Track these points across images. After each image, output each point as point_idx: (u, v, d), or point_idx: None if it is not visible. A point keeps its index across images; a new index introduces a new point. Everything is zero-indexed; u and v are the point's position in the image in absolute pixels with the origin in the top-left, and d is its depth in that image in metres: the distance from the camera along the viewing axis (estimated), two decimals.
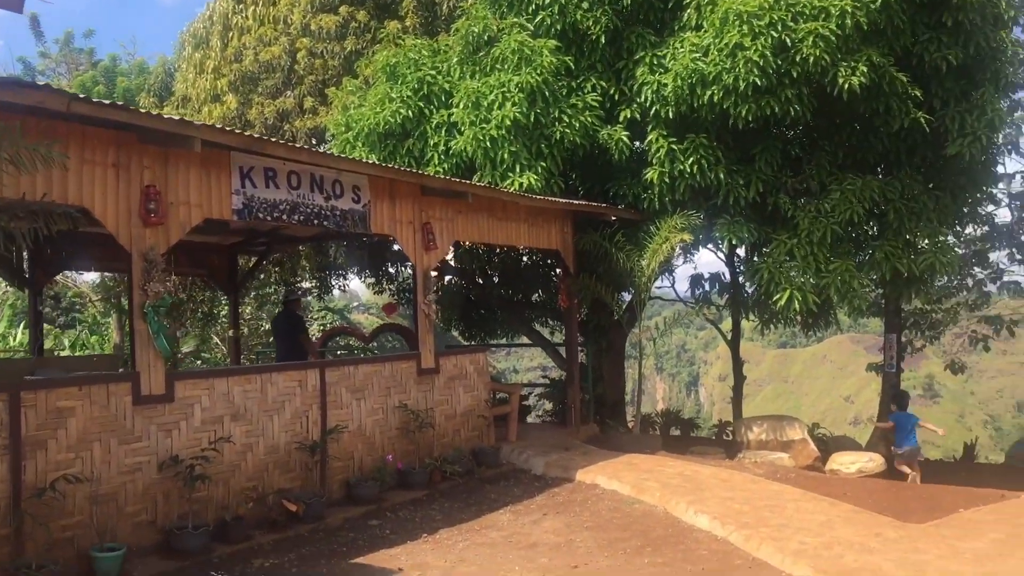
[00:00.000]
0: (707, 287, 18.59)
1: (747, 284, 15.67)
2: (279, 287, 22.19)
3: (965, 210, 16.45)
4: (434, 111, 13.91)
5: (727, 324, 20.33)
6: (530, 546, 8.19)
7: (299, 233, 13.65)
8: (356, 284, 34.44)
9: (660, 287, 17.17)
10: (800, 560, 7.29)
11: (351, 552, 8.03)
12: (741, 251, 17.21)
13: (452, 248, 19.70)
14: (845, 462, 13.25)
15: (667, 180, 13.27)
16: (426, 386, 10.99)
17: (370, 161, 11.32)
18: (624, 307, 15.52)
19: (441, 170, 13.33)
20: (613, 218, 14.09)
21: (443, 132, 13.69)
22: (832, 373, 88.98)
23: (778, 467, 12.59)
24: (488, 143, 12.92)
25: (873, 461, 13.29)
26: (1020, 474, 15.27)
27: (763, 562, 7.53)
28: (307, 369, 9.47)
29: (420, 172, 10.64)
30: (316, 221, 9.54)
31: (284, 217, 9.17)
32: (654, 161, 13.36)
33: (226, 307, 23.81)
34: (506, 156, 12.91)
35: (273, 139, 9.53)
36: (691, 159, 13.08)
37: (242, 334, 23.71)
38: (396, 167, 10.10)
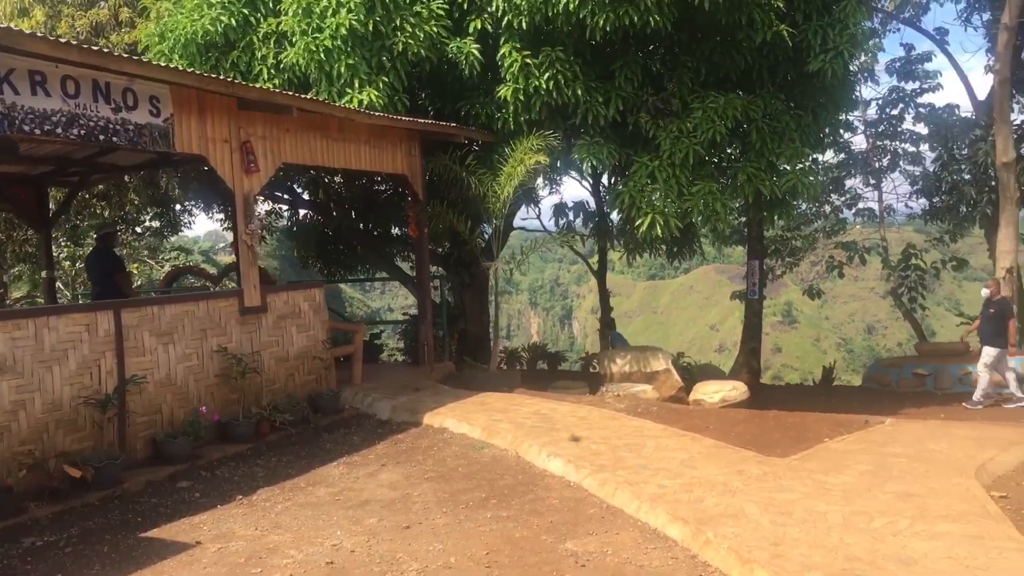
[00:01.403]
0: (571, 216, 17.76)
1: (612, 212, 14.82)
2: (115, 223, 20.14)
3: (827, 131, 16.03)
4: (261, 19, 12.27)
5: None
6: (361, 504, 7.08)
7: (120, 161, 11.93)
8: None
9: (525, 218, 16.27)
10: (658, 506, 6.45)
11: (146, 523, 6.73)
12: (607, 180, 16.39)
13: (310, 184, 18.38)
14: (709, 392, 12.66)
15: (522, 98, 12.11)
16: (251, 327, 9.62)
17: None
18: (488, 238, 14.45)
19: (271, 86, 11.77)
20: (465, 140, 12.85)
21: (272, 43, 12.09)
22: (699, 303, 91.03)
23: (641, 400, 11.86)
24: (322, 55, 11.43)
25: (736, 389, 12.75)
26: (877, 396, 15.15)
27: (618, 510, 6.66)
28: (97, 311, 7.95)
29: (232, 80, 9.12)
30: (103, 137, 7.95)
31: (59, 131, 7.56)
32: (508, 77, 12.16)
33: (67, 248, 21.58)
34: (343, 70, 11.46)
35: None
36: (547, 74, 11.93)
37: (66, 275, 21.50)
38: (203, 74, 8.54)
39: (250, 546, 6.13)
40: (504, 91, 12.13)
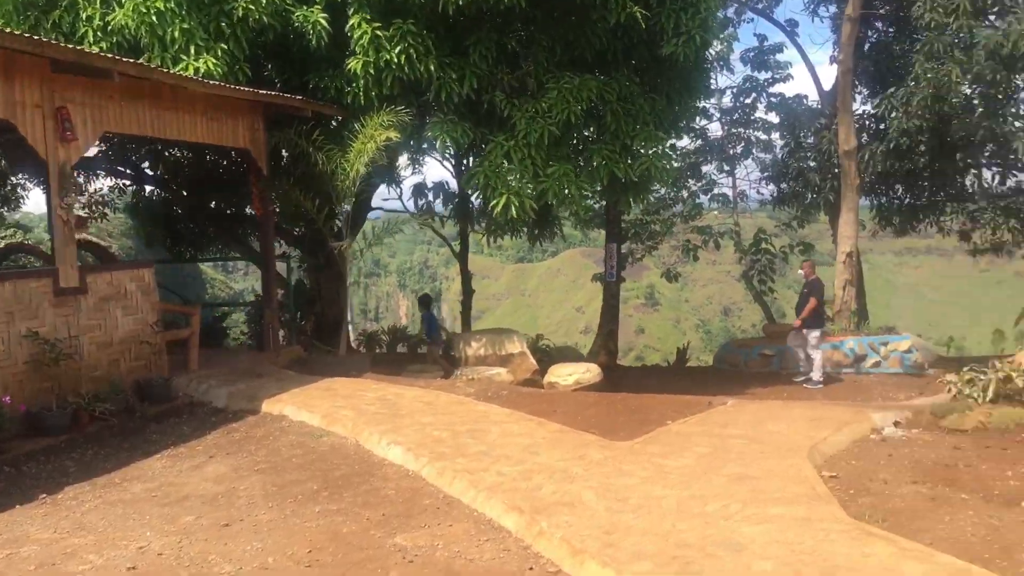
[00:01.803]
0: (431, 197, 17.40)
1: (473, 194, 14.53)
2: None
3: (684, 122, 16.22)
4: None
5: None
6: (179, 500, 6.54)
7: None
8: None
9: (387, 198, 15.77)
10: (495, 495, 6.19)
11: None
12: (468, 161, 16.09)
13: (153, 157, 17.23)
14: (563, 374, 12.58)
15: (372, 72, 11.62)
16: (68, 310, 8.82)
17: None
18: (346, 218, 13.90)
19: (98, 50, 10.85)
20: (313, 114, 12.23)
21: (98, 3, 11.15)
22: (565, 286, 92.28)
23: (495, 384, 11.64)
24: (154, 18, 10.63)
25: (590, 372, 12.73)
26: (727, 376, 15.47)
27: (455, 500, 6.37)
28: None
29: (42, 39, 8.27)
30: None
31: None
32: (357, 50, 11.64)
33: None
34: (177, 35, 10.69)
35: None
36: (398, 48, 11.48)
37: None
38: (5, 31, 7.68)
39: (44, 551, 5.52)
40: (354, 64, 11.60)
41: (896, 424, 8.23)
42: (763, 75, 24.27)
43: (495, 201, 12.18)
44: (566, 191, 12.27)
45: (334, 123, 13.33)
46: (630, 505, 5.90)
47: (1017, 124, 15.93)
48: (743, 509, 5.75)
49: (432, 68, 11.73)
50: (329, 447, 7.97)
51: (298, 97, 11.79)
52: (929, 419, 8.20)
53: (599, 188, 14.48)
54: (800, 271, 14.36)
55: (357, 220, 15.69)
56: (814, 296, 13.73)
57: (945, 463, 7.00)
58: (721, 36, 16.46)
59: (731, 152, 25.36)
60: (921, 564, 4.77)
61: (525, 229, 17.75)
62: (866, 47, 19.53)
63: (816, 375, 13.72)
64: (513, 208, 12.06)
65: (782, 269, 26.61)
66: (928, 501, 6.07)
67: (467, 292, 19.57)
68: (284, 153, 13.79)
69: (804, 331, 13.78)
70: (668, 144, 14.77)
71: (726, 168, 25.70)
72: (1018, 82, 16.20)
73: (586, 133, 13.92)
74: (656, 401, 10.02)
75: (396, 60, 11.47)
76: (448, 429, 8.13)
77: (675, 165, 21.91)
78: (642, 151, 13.03)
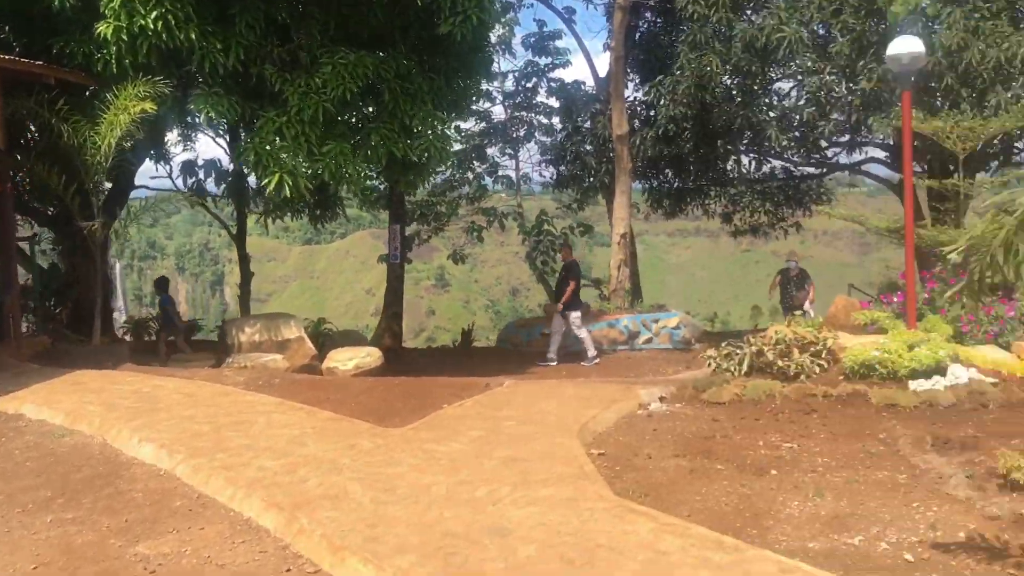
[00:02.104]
0: (201, 175, 16.33)
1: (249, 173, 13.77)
2: None
3: (465, 103, 16.12)
4: None
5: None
6: None
7: None
8: None
9: (156, 176, 14.65)
10: (254, 492, 5.79)
11: None
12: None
13: None
14: (342, 359, 12.16)
15: (125, 38, 10.66)
16: None
17: None
18: (104, 196, 12.76)
19: None
20: (56, 81, 11.07)
21: None
22: (355, 267, 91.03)
23: (270, 371, 11.09)
24: None
25: (371, 356, 12.38)
26: (509, 356, 15.59)
27: (210, 500, 5.89)
28: None
29: None
30: None
31: None
32: (108, 13, 10.64)
33: None
34: None
35: None
36: (155, 13, 10.59)
37: None
38: None
39: None
40: (104, 29, 10.60)
41: (661, 399, 8.50)
42: (544, 60, 24.72)
43: (267, 180, 11.60)
44: (344, 170, 11.86)
45: (87, 93, 12.17)
46: (398, 495, 5.67)
47: (771, 114, 17.04)
48: (512, 493, 5.68)
49: (194, 36, 10.94)
50: (71, 448, 7.21)
51: (39, 63, 10.62)
52: (691, 393, 8.52)
53: (379, 168, 14.16)
54: (558, 255, 14.75)
55: (117, 199, 14.48)
56: (572, 279, 14.09)
57: (704, 435, 7.28)
58: (503, 20, 16.61)
59: (514, 135, 25.67)
60: (678, 538, 4.86)
61: (306, 210, 17.13)
62: (637, 36, 20.28)
63: (590, 352, 14.09)
64: (287, 187, 11.53)
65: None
66: (688, 474, 6.26)
67: (245, 276, 18.61)
68: (31, 126, 12.49)
69: (566, 313, 14.10)
70: (451, 125, 14.66)
71: (509, 151, 25.98)
72: (771, 74, 17.33)
73: (364, 111, 13.54)
74: (435, 384, 9.87)
75: (152, 26, 10.58)
76: (210, 422, 7.58)
77: (457, 146, 21.98)
78: (421, 131, 12.82)
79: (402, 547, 4.81)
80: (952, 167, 15.83)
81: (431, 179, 17.94)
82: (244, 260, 18.98)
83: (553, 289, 14.79)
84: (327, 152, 11.74)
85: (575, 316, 14.03)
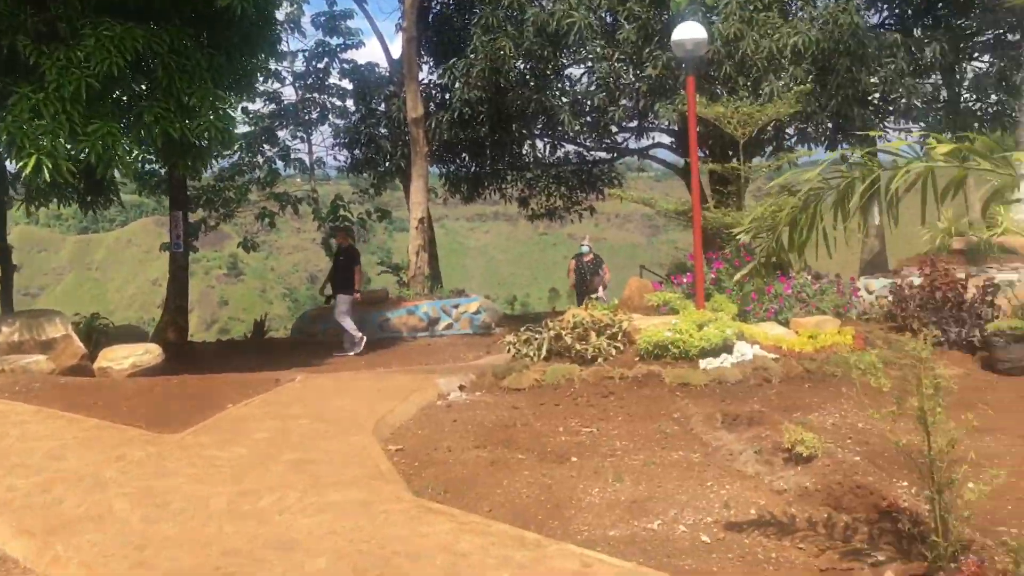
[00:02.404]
0: None
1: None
2: None
3: (251, 82, 15.22)
4: None
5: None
6: None
7: None
8: None
9: None
10: (0, 517, 5.05)
11: None
12: None
13: None
14: (117, 357, 11.14)
15: None
16: None
17: None
18: None
19: None
20: None
21: None
22: (139, 257, 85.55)
23: (30, 375, 9.95)
24: None
25: (150, 353, 11.42)
26: (304, 348, 14.96)
27: None
28: None
29: None
30: None
31: None
32: None
33: None
34: None
35: None
36: None
37: None
38: None
39: None
40: None
41: (461, 388, 8.29)
42: (335, 40, 23.91)
43: (23, 163, 10.38)
44: (113, 152, 10.80)
45: None
46: (171, 511, 5.12)
47: (564, 99, 17.24)
48: (301, 499, 5.26)
49: None
50: None
51: None
52: (491, 380, 8.37)
53: (154, 150, 13.07)
54: (333, 240, 14.38)
55: None
56: (356, 264, 13.86)
57: (505, 424, 7.12)
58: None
59: (306, 118, 24.71)
60: (478, 537, 4.64)
61: (75, 196, 15.69)
62: (430, 17, 19.96)
63: (353, 341, 13.82)
64: (46, 171, 10.36)
65: (363, 235, 26.69)
66: (488, 466, 6.06)
67: (7, 270, 16.83)
68: None
69: (341, 296, 13.82)
70: (237, 106, 13.75)
71: (301, 134, 25.01)
72: (563, 60, 17.54)
73: (136, 88, 12.44)
74: (221, 382, 9.18)
75: None
76: None
77: (244, 128, 20.89)
78: (201, 111, 11.91)
79: (174, 572, 4.30)
80: (731, 152, 16.70)
81: (216, 163, 16.86)
82: (3, 252, 17.17)
83: (331, 277, 14.41)
84: (92, 132, 10.64)
85: (344, 300, 13.74)
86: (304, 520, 4.93)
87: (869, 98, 16.22)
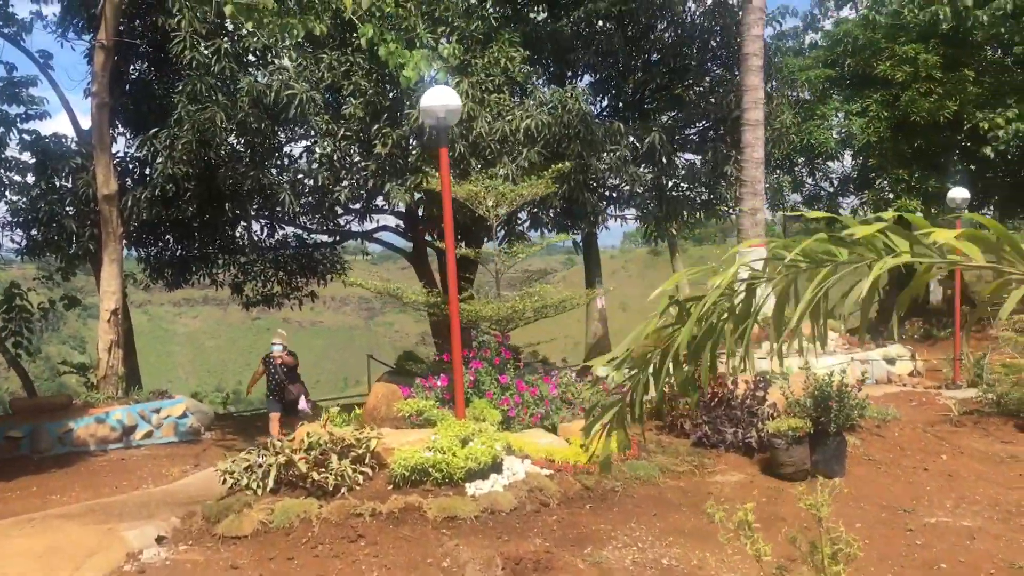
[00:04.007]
0: None
1: None
2: None
3: None
4: None
5: None
6: None
7: None
8: None
9: None
10: None
11: None
12: None
13: None
14: None
15: None
16: None
17: None
18: None
19: None
20: None
21: None
22: None
23: None
24: None
25: None
26: None
27: None
28: None
29: None
30: None
31: None
32: None
33: None
34: None
35: None
36: None
37: None
38: None
39: None
40: None
41: (160, 540, 6.20)
42: (15, 109, 20.45)
43: None
44: None
45: None
46: None
47: (284, 176, 15.49)
48: None
49: None
50: None
51: None
52: (201, 525, 6.37)
53: None
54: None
55: None
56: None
57: None
58: None
59: None
60: None
61: None
62: (128, 85, 17.47)
63: None
64: None
65: (55, 325, 22.85)
66: None
67: None
68: None
69: None
70: None
71: None
72: (283, 135, 15.87)
73: None
74: None
75: None
76: None
77: None
78: None
79: None
80: (461, 236, 15.77)
81: None
82: None
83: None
84: None
85: None
86: None
87: (595, 184, 16.07)
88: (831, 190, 22.84)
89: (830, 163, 21.62)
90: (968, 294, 21.13)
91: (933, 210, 19.70)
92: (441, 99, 7.73)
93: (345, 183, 14.67)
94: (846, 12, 25.26)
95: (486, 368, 8.72)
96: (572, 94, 14.06)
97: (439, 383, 8.90)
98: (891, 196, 20.33)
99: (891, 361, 13.10)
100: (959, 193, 12.38)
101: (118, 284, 14.89)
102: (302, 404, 12.56)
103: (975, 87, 18.52)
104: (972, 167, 20.02)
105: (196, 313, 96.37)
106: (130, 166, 17.20)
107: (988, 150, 18.03)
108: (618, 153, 14.89)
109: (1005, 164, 19.76)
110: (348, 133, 14.14)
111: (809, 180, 22.65)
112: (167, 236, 18.11)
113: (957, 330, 12.87)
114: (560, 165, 11.56)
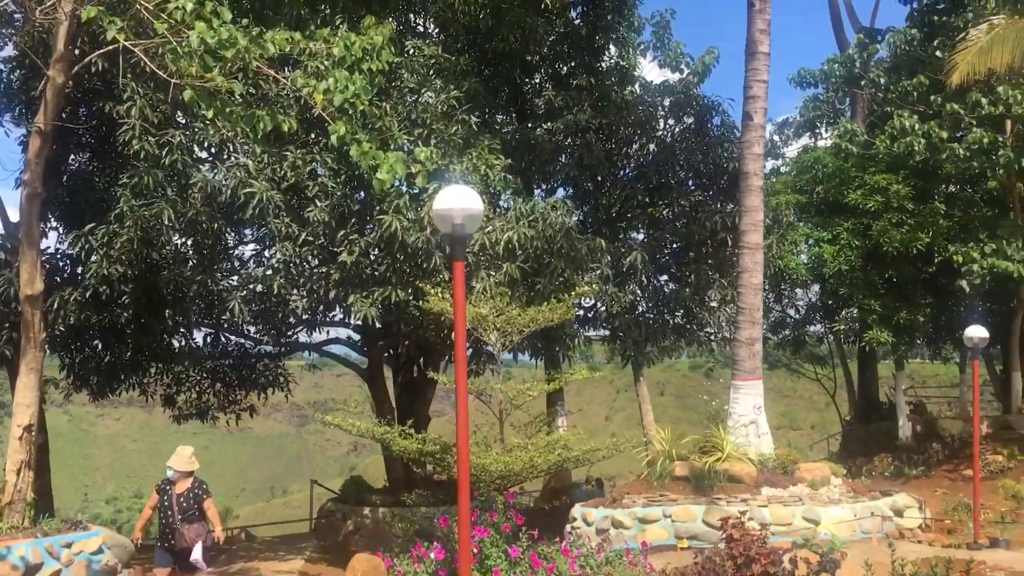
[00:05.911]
0: None
1: None
2: None
3: None
4: None
5: None
6: None
7: None
8: None
9: None
10: None
11: None
12: None
13: None
14: None
15: None
16: None
17: None
18: None
19: None
20: None
21: None
22: None
23: None
24: None
25: None
26: None
27: None
28: None
29: None
30: None
31: None
32: None
33: None
34: None
35: None
36: None
37: None
38: None
39: None
40: None
41: None
42: None
43: None
44: None
45: None
46: None
47: (233, 280, 13.85)
48: None
49: None
50: None
51: None
52: None
53: None
54: None
55: None
56: None
57: None
58: None
59: None
60: None
61: None
62: (66, 177, 15.80)
63: None
64: None
65: None
66: None
67: None
68: None
69: None
70: None
71: None
72: (234, 235, 14.33)
73: None
74: None
75: None
76: None
77: None
78: None
79: None
80: (418, 355, 14.30)
81: None
82: None
83: None
84: None
85: None
86: None
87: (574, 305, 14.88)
88: (796, 317, 22.10)
89: (798, 290, 20.92)
90: (936, 430, 20.26)
91: (902, 344, 19.03)
92: (460, 201, 6.29)
93: (303, 292, 13.11)
94: (805, 140, 25.24)
95: (492, 538, 7.04)
96: (555, 205, 12.95)
97: (432, 554, 7.11)
98: (858, 327, 19.65)
99: (899, 512, 11.77)
100: (976, 332, 11.30)
101: (35, 396, 12.86)
102: (196, 554, 9.10)
103: (945, 220, 18.11)
104: (943, 301, 19.48)
105: (119, 415, 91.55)
106: (60, 264, 15.39)
107: (964, 283, 17.42)
108: (599, 271, 13.75)
109: (982, 298, 19.25)
110: (310, 238, 12.68)
111: (776, 306, 21.87)
112: (95, 341, 16.17)
113: (976, 480, 11.57)
114: (582, 289, 10.30)
